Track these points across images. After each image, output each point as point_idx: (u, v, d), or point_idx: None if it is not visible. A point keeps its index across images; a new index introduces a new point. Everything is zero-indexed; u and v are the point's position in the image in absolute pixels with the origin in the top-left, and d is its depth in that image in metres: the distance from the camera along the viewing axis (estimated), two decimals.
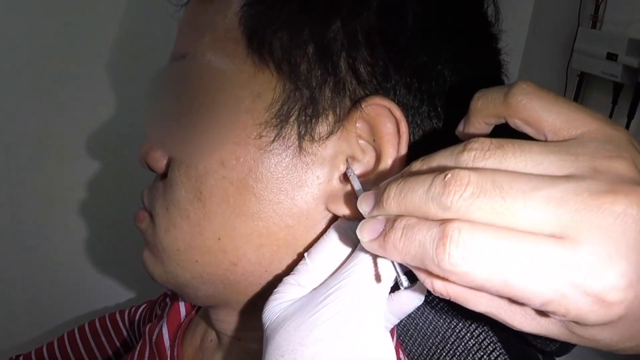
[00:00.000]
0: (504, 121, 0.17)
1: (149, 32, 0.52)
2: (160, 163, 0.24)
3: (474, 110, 0.17)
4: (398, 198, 0.15)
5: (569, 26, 0.76)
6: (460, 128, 0.19)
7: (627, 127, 0.65)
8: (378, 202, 0.16)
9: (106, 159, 0.58)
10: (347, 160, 0.21)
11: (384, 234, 0.15)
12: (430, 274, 0.15)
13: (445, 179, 0.14)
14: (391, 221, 0.15)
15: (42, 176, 0.56)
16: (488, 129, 0.18)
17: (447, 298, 0.15)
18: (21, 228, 0.57)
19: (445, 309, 0.35)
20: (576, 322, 0.14)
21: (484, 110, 0.17)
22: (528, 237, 0.13)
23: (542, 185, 0.13)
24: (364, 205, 0.17)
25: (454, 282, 0.14)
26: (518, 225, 0.13)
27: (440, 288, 0.15)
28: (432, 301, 0.36)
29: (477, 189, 0.14)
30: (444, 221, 0.14)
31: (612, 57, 0.64)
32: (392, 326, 0.21)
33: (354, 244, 0.20)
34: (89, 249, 0.62)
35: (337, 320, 0.17)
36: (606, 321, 0.13)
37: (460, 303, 0.15)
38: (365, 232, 0.16)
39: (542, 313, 0.15)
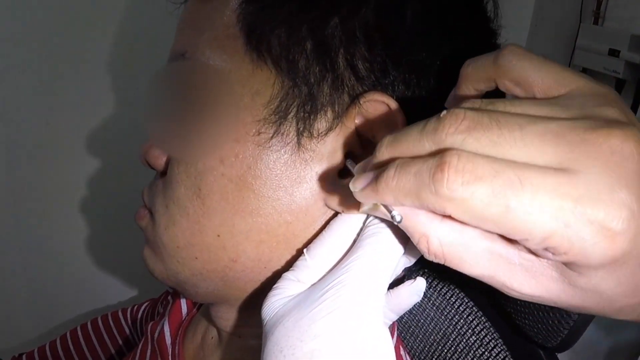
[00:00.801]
0: (494, 85, 0.17)
1: (149, 31, 0.52)
2: (160, 161, 0.24)
3: (464, 76, 0.17)
4: (391, 144, 0.15)
5: (571, 22, 0.76)
6: (449, 99, 0.19)
7: None
8: (372, 159, 0.16)
9: (107, 158, 0.58)
10: (345, 156, 0.21)
11: (376, 178, 0.15)
12: (424, 237, 0.14)
13: (440, 116, 0.14)
14: (384, 166, 0.15)
15: (43, 175, 0.56)
16: (479, 95, 0.18)
17: (442, 261, 0.15)
18: (23, 227, 0.57)
19: (444, 304, 0.35)
20: (578, 266, 0.13)
21: (475, 74, 0.17)
22: (528, 166, 0.13)
23: (538, 120, 0.14)
24: (359, 169, 0.17)
25: (450, 218, 0.14)
26: (515, 157, 0.13)
27: (435, 247, 0.15)
28: (432, 296, 0.36)
29: (473, 123, 0.14)
30: (440, 151, 0.13)
31: (614, 53, 0.64)
32: (391, 322, 0.21)
33: (353, 240, 0.20)
34: (90, 248, 0.62)
35: (335, 315, 0.17)
36: (610, 258, 0.13)
37: (456, 266, 0.15)
38: (358, 183, 0.16)
39: (541, 267, 0.14)
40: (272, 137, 0.21)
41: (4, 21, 0.49)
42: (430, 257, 0.15)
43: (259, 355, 0.18)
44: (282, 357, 0.17)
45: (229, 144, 0.21)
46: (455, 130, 0.14)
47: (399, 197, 0.14)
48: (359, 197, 0.16)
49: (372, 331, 0.17)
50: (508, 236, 0.14)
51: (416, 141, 0.14)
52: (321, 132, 0.21)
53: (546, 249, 0.13)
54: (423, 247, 0.15)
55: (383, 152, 0.15)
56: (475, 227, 0.14)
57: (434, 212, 0.15)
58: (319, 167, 0.21)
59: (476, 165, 0.13)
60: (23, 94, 0.52)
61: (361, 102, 0.20)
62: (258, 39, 0.21)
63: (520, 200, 0.13)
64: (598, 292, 0.14)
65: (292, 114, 0.21)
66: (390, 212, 0.15)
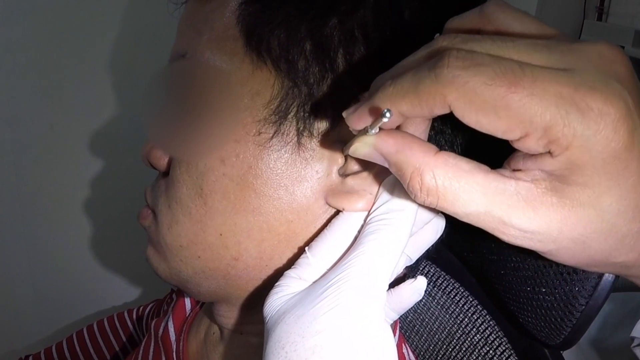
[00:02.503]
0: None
1: (150, 32, 0.52)
2: (162, 161, 0.25)
3: (448, 28, 0.17)
4: (387, 72, 0.15)
5: (575, 19, 0.75)
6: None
7: None
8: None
9: (111, 159, 0.58)
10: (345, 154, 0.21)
11: (370, 96, 0.14)
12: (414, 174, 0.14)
13: (435, 39, 0.14)
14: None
15: (49, 177, 0.57)
16: None
17: (435, 199, 0.14)
18: (29, 228, 0.58)
19: (448, 303, 0.35)
20: (581, 169, 0.13)
21: (459, 27, 0.17)
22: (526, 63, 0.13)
23: (526, 39, 0.14)
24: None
25: (443, 154, 0.14)
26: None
27: (429, 181, 0.14)
28: (436, 295, 0.36)
29: (465, 38, 0.14)
30: (438, 53, 0.13)
31: None
32: (392, 321, 0.21)
33: (355, 237, 0.20)
34: (96, 249, 0.63)
35: (337, 312, 0.17)
36: (612, 150, 0.12)
37: (449, 205, 0.14)
38: (351, 107, 0.15)
39: (539, 195, 0.14)
40: (272, 137, 0.21)
41: (10, 27, 0.50)
42: (422, 198, 0.14)
43: (260, 352, 0.18)
44: (284, 353, 0.17)
45: (229, 144, 0.21)
46: (449, 43, 0.14)
47: (397, 98, 0.14)
48: (350, 120, 0.16)
49: (374, 327, 0.17)
50: (506, 134, 0.13)
51: (410, 58, 0.14)
52: (321, 132, 0.21)
53: (548, 145, 0.13)
54: (415, 184, 0.14)
55: (379, 78, 0.15)
56: (475, 123, 0.13)
57: (427, 148, 0.14)
58: (320, 166, 0.21)
59: (476, 55, 0.13)
60: (28, 99, 0.53)
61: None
62: (257, 40, 0.21)
63: (522, 84, 0.12)
64: (601, 210, 0.13)
65: (292, 113, 0.21)
66: (382, 114, 0.14)
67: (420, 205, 0.19)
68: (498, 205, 0.14)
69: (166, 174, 0.24)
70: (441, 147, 0.21)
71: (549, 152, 0.13)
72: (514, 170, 0.15)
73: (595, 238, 0.14)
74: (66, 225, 0.59)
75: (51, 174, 0.56)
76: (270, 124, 0.21)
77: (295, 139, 0.21)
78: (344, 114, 0.16)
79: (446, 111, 0.13)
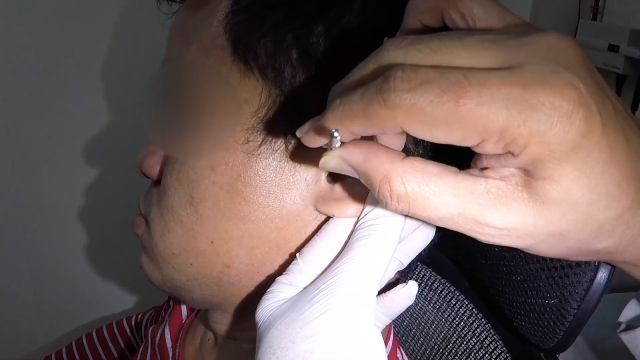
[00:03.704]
0: (439, 19, 0.16)
1: (144, 42, 0.53)
2: (155, 170, 0.25)
3: (411, 7, 0.17)
4: (338, 84, 0.15)
5: (570, 18, 0.75)
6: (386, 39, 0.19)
7: None
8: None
9: (110, 166, 0.59)
10: None
11: (322, 114, 0.14)
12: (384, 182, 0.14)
13: (383, 43, 0.14)
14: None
15: (47, 186, 0.57)
16: (425, 33, 0.17)
17: (406, 206, 0.14)
18: (27, 236, 0.58)
19: (444, 306, 0.35)
20: (543, 164, 0.13)
21: (422, 4, 0.17)
22: (472, 68, 0.13)
23: (476, 33, 0.14)
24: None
25: (411, 158, 0.14)
26: (457, 64, 0.13)
27: (398, 187, 0.14)
28: (432, 299, 0.36)
29: (413, 40, 0.14)
30: (385, 69, 0.13)
31: (613, 48, 0.63)
32: (384, 326, 0.21)
33: (345, 242, 0.20)
34: (95, 256, 0.63)
35: (327, 317, 0.17)
36: (571, 142, 0.12)
37: (421, 210, 0.14)
38: (304, 126, 0.15)
39: (510, 191, 0.13)
40: (260, 145, 0.21)
41: (5, 36, 0.51)
42: (393, 205, 0.14)
43: (253, 357, 0.19)
44: (274, 358, 0.17)
45: (219, 153, 0.21)
46: (396, 47, 0.14)
47: (346, 121, 0.14)
48: (305, 139, 0.16)
49: (364, 332, 0.17)
50: (464, 142, 0.13)
51: (361, 68, 0.14)
52: None
53: (507, 147, 0.13)
54: (385, 192, 0.14)
55: (332, 92, 0.15)
56: (430, 138, 0.13)
57: (394, 155, 0.14)
58: (308, 173, 0.21)
59: (420, 72, 0.13)
60: (25, 107, 0.54)
61: None
62: (245, 49, 0.21)
63: (469, 94, 0.12)
64: (573, 203, 0.13)
65: (279, 121, 0.21)
66: (331, 134, 0.14)
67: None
68: (470, 205, 0.14)
69: (158, 182, 0.24)
70: (411, 153, 0.21)
71: (510, 152, 0.13)
72: (482, 169, 0.15)
73: (572, 229, 0.14)
74: (65, 233, 0.60)
75: (49, 181, 0.57)
76: (258, 132, 0.21)
77: (283, 146, 0.21)
78: (298, 134, 0.16)
79: (398, 131, 0.13)
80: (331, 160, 0.16)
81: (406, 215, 0.19)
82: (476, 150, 0.14)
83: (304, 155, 0.21)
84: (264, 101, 0.21)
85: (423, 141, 0.21)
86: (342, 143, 0.15)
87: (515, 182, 0.14)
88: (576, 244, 0.14)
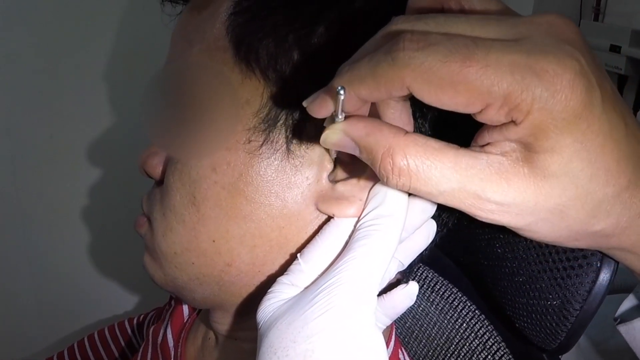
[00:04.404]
0: (439, 7, 0.17)
1: (146, 43, 0.53)
2: (157, 170, 0.25)
3: (410, 6, 0.17)
4: (348, 61, 0.15)
5: (571, 19, 0.75)
6: None
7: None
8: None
9: (111, 167, 0.59)
10: (334, 161, 0.21)
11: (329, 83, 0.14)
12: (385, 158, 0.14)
13: (391, 20, 0.14)
14: None
15: (48, 187, 0.57)
16: None
17: (408, 181, 0.14)
18: (29, 237, 0.58)
19: (447, 308, 0.35)
20: (545, 133, 0.13)
21: (422, 3, 0.17)
22: (478, 37, 0.13)
23: (477, 16, 0.14)
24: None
25: (413, 135, 0.14)
26: (464, 34, 0.14)
27: (400, 161, 0.14)
28: (434, 300, 0.36)
29: (420, 16, 0.14)
30: (393, 36, 0.14)
31: (615, 49, 0.63)
32: (385, 327, 0.21)
33: (346, 243, 0.20)
34: (97, 257, 0.63)
35: (328, 316, 0.17)
36: (572, 110, 0.13)
37: (423, 186, 0.14)
38: (311, 96, 0.15)
39: (511, 166, 0.14)
40: (262, 145, 0.21)
41: (7, 39, 0.51)
42: (394, 179, 0.14)
43: (253, 357, 0.19)
44: (275, 358, 0.17)
45: (220, 153, 0.21)
46: (404, 21, 0.14)
47: (354, 82, 0.14)
48: (311, 108, 0.16)
49: (364, 332, 0.17)
50: (468, 107, 0.13)
51: (368, 44, 0.15)
52: (310, 139, 0.21)
53: (510, 113, 0.13)
54: (387, 165, 0.14)
55: (340, 67, 0.15)
56: (436, 102, 0.13)
57: (396, 130, 0.14)
58: (309, 172, 0.21)
59: (429, 35, 0.13)
60: (27, 109, 0.54)
61: None
62: (246, 50, 0.21)
63: (476, 57, 0.13)
64: (573, 176, 0.13)
65: (280, 121, 0.21)
66: (337, 90, 0.14)
67: (408, 212, 0.19)
68: (471, 179, 0.14)
69: (161, 182, 0.25)
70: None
71: (513, 121, 0.13)
72: (483, 145, 0.15)
73: (571, 206, 0.14)
74: (67, 234, 0.60)
75: (50, 182, 0.57)
76: (260, 132, 0.21)
77: (285, 146, 0.21)
78: (304, 103, 0.16)
79: (405, 93, 0.13)
80: (333, 135, 0.16)
81: (407, 215, 0.19)
82: (479, 118, 0.14)
83: (305, 155, 0.21)
84: (266, 101, 0.21)
85: (423, 121, 0.22)
86: (346, 118, 0.15)
87: (515, 157, 0.14)
88: (575, 223, 0.14)
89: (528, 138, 0.13)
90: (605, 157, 0.13)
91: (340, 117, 0.15)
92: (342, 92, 0.14)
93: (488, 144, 0.14)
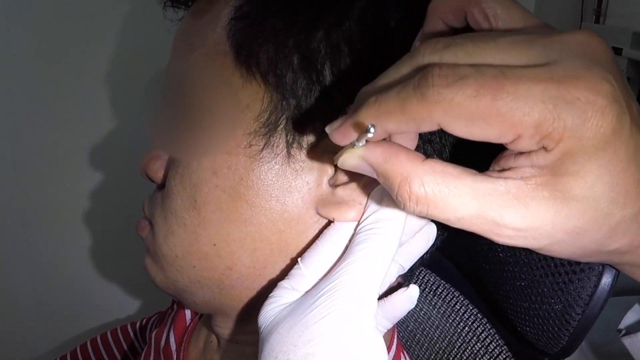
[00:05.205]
0: (463, 19, 0.17)
1: (147, 48, 0.53)
2: (159, 174, 0.25)
3: (433, 7, 0.17)
4: (370, 85, 0.15)
5: (572, 21, 0.75)
6: (416, 40, 0.19)
7: None
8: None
9: (113, 171, 0.59)
10: (335, 165, 0.21)
11: (354, 109, 0.14)
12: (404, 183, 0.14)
13: (415, 46, 0.14)
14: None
15: (50, 191, 0.57)
16: (447, 33, 0.18)
17: (425, 208, 0.14)
18: (31, 241, 0.58)
19: (449, 311, 0.35)
20: (573, 157, 0.13)
21: (445, 4, 0.17)
22: (508, 66, 0.13)
23: (506, 34, 0.14)
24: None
25: (431, 160, 0.14)
26: (492, 62, 0.13)
27: (417, 189, 0.14)
28: (437, 304, 0.36)
29: (447, 43, 0.14)
30: (420, 69, 0.13)
31: (616, 51, 0.63)
32: (386, 330, 0.21)
33: (346, 247, 0.20)
34: (99, 261, 0.63)
35: (328, 320, 0.17)
36: (602, 136, 0.12)
37: (440, 212, 0.14)
38: (335, 123, 0.15)
39: (530, 190, 0.13)
40: (262, 149, 0.21)
41: (8, 43, 0.51)
42: (411, 207, 0.14)
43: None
44: None
45: (221, 156, 0.22)
46: (432, 50, 0.14)
47: (383, 117, 0.14)
48: (334, 136, 0.16)
49: (365, 335, 0.17)
50: (501, 138, 0.13)
51: (394, 71, 0.14)
52: (310, 143, 0.21)
53: (541, 141, 0.13)
54: (404, 193, 0.14)
55: (363, 92, 0.15)
56: (467, 134, 0.13)
57: (414, 157, 0.14)
58: (310, 177, 0.21)
59: (458, 69, 0.13)
60: (28, 112, 0.54)
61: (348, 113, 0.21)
62: (247, 55, 0.21)
63: (506, 88, 0.12)
64: (594, 200, 0.13)
65: (281, 126, 0.21)
66: (367, 129, 0.14)
67: (409, 214, 0.19)
68: (489, 205, 0.14)
69: (162, 186, 0.25)
70: (429, 156, 0.21)
71: (544, 147, 0.13)
72: (503, 170, 0.15)
73: (589, 228, 0.14)
74: (68, 238, 0.60)
75: (52, 186, 0.57)
76: (260, 137, 0.21)
77: (285, 150, 0.21)
78: (327, 130, 0.16)
79: (435, 128, 0.14)
80: (351, 159, 0.16)
81: (406, 218, 0.19)
82: (511, 147, 0.14)
83: (306, 160, 0.21)
84: (266, 106, 0.21)
85: (447, 150, 0.22)
86: (366, 142, 0.15)
87: (535, 182, 0.14)
88: (590, 243, 0.14)
89: (555, 163, 0.13)
90: (626, 180, 0.13)
91: (359, 143, 0.15)
92: (372, 130, 0.14)
93: (506, 169, 0.14)
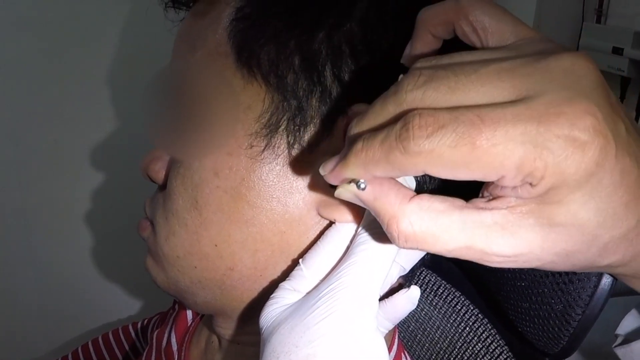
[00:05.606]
0: (451, 31, 0.17)
1: (149, 49, 0.53)
2: (160, 175, 0.25)
3: (422, 20, 0.17)
4: (359, 122, 0.15)
5: (574, 21, 0.75)
6: (405, 52, 0.19)
7: (636, 120, 0.63)
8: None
9: (114, 172, 0.59)
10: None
11: (344, 155, 0.15)
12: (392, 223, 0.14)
13: (398, 80, 0.14)
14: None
15: (52, 192, 0.58)
16: (436, 44, 0.18)
17: (414, 244, 0.14)
18: (33, 241, 0.59)
19: (450, 312, 0.35)
20: (557, 191, 0.13)
21: (433, 17, 0.17)
22: (487, 105, 0.13)
23: (491, 62, 0.14)
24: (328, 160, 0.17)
25: (417, 197, 0.14)
26: (475, 99, 0.14)
27: (405, 227, 0.14)
28: (437, 304, 0.36)
29: (429, 76, 0.14)
30: (404, 114, 0.14)
31: (618, 51, 0.63)
32: (387, 331, 0.21)
33: (347, 248, 0.20)
34: (101, 262, 0.63)
35: (329, 321, 0.17)
36: (584, 171, 0.13)
37: (430, 246, 0.14)
38: (328, 165, 0.16)
39: (517, 219, 0.14)
40: (263, 150, 0.21)
41: (10, 45, 0.51)
42: (400, 244, 0.15)
43: None
44: None
45: (222, 157, 0.22)
46: (414, 86, 0.14)
47: (370, 166, 0.14)
48: (328, 178, 0.16)
49: (366, 336, 0.17)
50: (485, 179, 0.14)
51: (380, 109, 0.15)
52: (311, 144, 0.21)
53: (525, 179, 0.13)
54: (393, 232, 0.15)
55: (353, 130, 0.16)
56: (453, 177, 0.14)
57: (402, 195, 0.15)
58: (311, 178, 0.21)
59: (437, 116, 0.13)
60: (31, 113, 0.54)
61: (349, 114, 0.21)
62: (248, 56, 0.21)
63: (484, 135, 0.13)
64: (580, 225, 0.14)
65: (282, 127, 0.21)
66: (357, 183, 0.15)
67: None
68: (478, 237, 0.14)
69: (164, 187, 0.25)
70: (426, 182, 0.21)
71: (528, 183, 0.13)
72: (490, 198, 0.15)
73: (578, 250, 0.14)
74: (70, 239, 0.60)
75: (54, 187, 0.57)
76: (262, 137, 0.21)
77: (286, 151, 0.21)
78: (321, 171, 0.16)
79: (420, 174, 0.14)
80: (346, 193, 0.16)
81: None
82: (498, 184, 0.14)
83: (307, 165, 0.21)
84: (267, 107, 0.21)
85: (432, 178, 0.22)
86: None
87: (520, 211, 0.14)
88: (580, 262, 0.15)
89: (540, 195, 0.14)
90: (613, 204, 0.13)
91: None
92: (362, 186, 0.15)
93: (497, 197, 0.15)
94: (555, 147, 0.12)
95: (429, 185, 0.22)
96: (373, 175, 0.15)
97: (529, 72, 0.14)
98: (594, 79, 0.14)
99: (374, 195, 0.15)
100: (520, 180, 0.13)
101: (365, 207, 0.16)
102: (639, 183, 0.14)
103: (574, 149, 0.12)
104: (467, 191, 0.16)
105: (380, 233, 0.19)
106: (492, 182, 0.15)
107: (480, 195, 0.15)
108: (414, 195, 0.15)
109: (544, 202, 0.14)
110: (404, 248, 0.15)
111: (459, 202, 0.15)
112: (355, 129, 0.16)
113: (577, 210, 0.13)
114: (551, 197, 0.13)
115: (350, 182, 0.16)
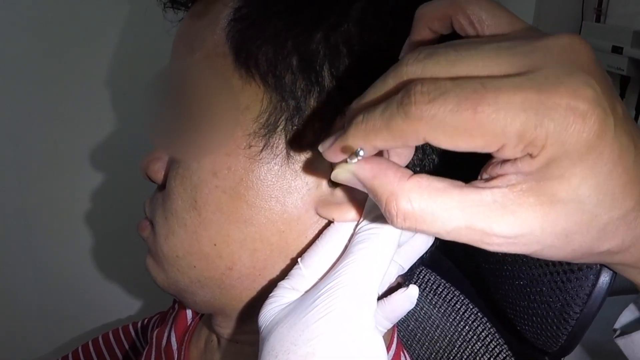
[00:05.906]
0: (449, 25, 0.17)
1: (148, 50, 0.53)
2: (159, 175, 0.25)
3: (420, 15, 0.18)
4: (359, 100, 0.15)
5: (573, 20, 0.75)
6: (404, 48, 0.19)
7: (635, 120, 0.63)
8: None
9: (114, 172, 0.59)
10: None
11: (344, 130, 0.15)
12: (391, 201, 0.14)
13: (400, 60, 0.14)
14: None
15: (53, 193, 0.58)
16: (434, 39, 0.18)
17: (413, 223, 0.14)
18: (33, 242, 0.59)
19: (449, 311, 0.35)
20: (557, 162, 0.13)
21: (431, 11, 0.17)
22: (488, 76, 0.13)
23: (491, 40, 0.14)
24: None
25: (417, 176, 0.14)
26: (474, 72, 0.14)
27: (405, 206, 0.14)
28: (437, 303, 0.36)
29: (430, 52, 0.14)
30: (405, 84, 0.14)
31: (617, 50, 0.63)
32: (386, 330, 0.21)
33: (345, 247, 0.20)
34: (100, 262, 0.63)
35: (328, 319, 0.17)
36: (585, 141, 0.13)
37: (429, 226, 0.14)
38: (327, 141, 0.16)
39: (517, 197, 0.14)
40: (262, 150, 0.21)
41: (10, 46, 0.52)
42: (399, 223, 0.15)
43: (254, 359, 0.19)
44: None
45: (221, 158, 0.22)
46: (414, 60, 0.14)
47: (370, 136, 0.14)
48: (328, 154, 0.16)
49: (365, 334, 0.17)
50: (486, 148, 0.13)
51: (380, 84, 0.15)
52: (310, 144, 0.21)
53: (526, 149, 0.13)
54: (391, 209, 0.14)
55: (353, 106, 0.15)
56: (453, 147, 0.14)
57: (401, 174, 0.15)
58: (309, 177, 0.21)
59: (439, 84, 0.13)
60: (31, 114, 0.54)
61: (347, 114, 0.21)
62: (246, 56, 0.21)
63: (487, 101, 0.13)
64: (580, 202, 0.14)
65: (280, 127, 0.21)
66: (356, 152, 0.15)
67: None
68: (477, 217, 0.14)
69: (163, 187, 0.25)
70: (423, 162, 0.21)
71: (529, 154, 0.13)
72: (490, 179, 0.15)
73: (577, 230, 0.14)
74: (71, 239, 0.60)
75: (54, 187, 0.57)
76: (260, 137, 0.21)
77: (285, 151, 0.21)
78: (320, 148, 0.16)
79: (421, 142, 0.14)
80: (343, 174, 0.16)
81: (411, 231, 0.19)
82: (497, 155, 0.14)
83: (305, 165, 0.21)
84: (265, 107, 0.21)
85: (431, 153, 0.22)
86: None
87: (520, 189, 0.14)
88: (580, 247, 0.15)
89: (540, 169, 0.14)
90: (612, 182, 0.14)
91: (352, 160, 0.16)
92: (361, 153, 0.15)
93: (497, 176, 0.14)
94: (557, 115, 0.13)
95: (427, 170, 0.22)
96: (373, 146, 0.14)
97: (528, 49, 0.14)
98: (589, 58, 0.14)
99: (372, 173, 0.15)
100: (520, 150, 0.13)
101: (363, 189, 0.16)
102: (637, 165, 0.14)
103: (574, 118, 0.12)
104: (466, 175, 0.15)
105: (378, 232, 0.19)
106: (491, 163, 0.15)
107: (480, 177, 0.15)
108: (413, 174, 0.15)
109: (544, 177, 0.14)
110: (402, 229, 0.15)
111: (458, 182, 0.15)
112: (354, 106, 0.15)
113: (577, 185, 0.13)
114: (552, 172, 0.13)
115: (348, 157, 0.15)
